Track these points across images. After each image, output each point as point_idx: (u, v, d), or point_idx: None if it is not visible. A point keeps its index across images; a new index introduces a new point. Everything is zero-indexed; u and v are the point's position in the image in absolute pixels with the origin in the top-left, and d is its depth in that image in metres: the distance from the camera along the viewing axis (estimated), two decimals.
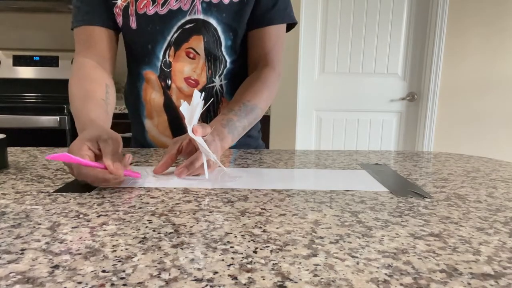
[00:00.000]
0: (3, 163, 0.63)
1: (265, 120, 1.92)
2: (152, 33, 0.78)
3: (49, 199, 0.47)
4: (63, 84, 2.23)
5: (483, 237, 0.38)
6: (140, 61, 0.83)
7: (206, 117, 0.85)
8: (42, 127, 1.77)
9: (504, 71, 2.26)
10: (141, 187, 0.53)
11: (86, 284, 0.28)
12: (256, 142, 0.96)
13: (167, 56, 0.80)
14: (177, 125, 0.85)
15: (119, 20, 0.78)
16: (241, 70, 0.87)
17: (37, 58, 2.20)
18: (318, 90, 2.29)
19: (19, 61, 2.20)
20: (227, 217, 0.42)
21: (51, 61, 2.20)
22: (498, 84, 2.28)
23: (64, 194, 0.49)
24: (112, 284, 0.28)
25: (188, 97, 0.83)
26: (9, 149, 0.78)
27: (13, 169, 0.62)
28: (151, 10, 0.77)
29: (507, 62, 2.25)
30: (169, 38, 0.79)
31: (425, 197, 0.51)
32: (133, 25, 0.78)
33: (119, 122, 1.81)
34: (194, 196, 0.49)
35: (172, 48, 0.79)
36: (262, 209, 0.45)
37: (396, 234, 0.38)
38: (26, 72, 2.21)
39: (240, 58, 0.85)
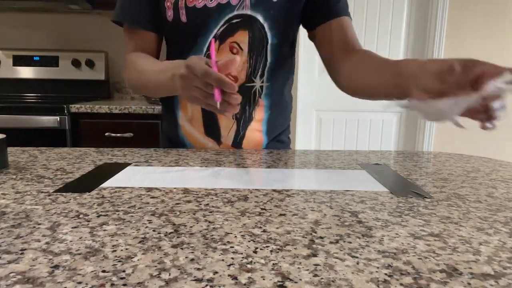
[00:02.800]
0: (3, 163, 0.63)
1: None
2: (200, 26, 0.79)
3: (49, 199, 0.47)
4: (63, 84, 2.23)
5: (483, 237, 0.38)
6: (184, 53, 0.82)
7: (241, 117, 0.85)
8: (42, 127, 1.77)
9: None
10: (141, 187, 0.53)
11: (86, 284, 0.28)
12: (286, 148, 0.96)
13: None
14: (210, 119, 0.84)
15: (170, 13, 0.79)
16: (282, 72, 0.87)
17: (37, 58, 2.20)
18: (318, 90, 2.29)
19: (19, 61, 2.20)
20: (227, 217, 0.42)
21: (51, 61, 2.20)
22: None
23: (64, 194, 0.49)
24: (112, 284, 0.28)
25: None
26: (9, 149, 0.78)
27: (13, 169, 0.62)
28: (200, 3, 0.77)
29: (507, 62, 2.25)
30: (215, 31, 0.79)
31: (425, 197, 0.51)
32: (183, 18, 0.78)
33: (120, 123, 1.81)
34: (194, 196, 0.49)
35: (217, 41, 0.80)
36: (262, 209, 0.45)
37: (396, 234, 0.38)
38: (26, 72, 2.21)
39: (283, 59, 0.85)
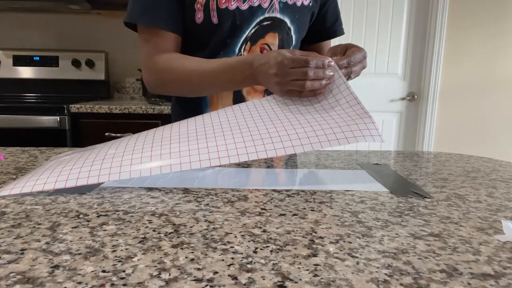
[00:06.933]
0: None
1: None
2: (232, 28, 0.80)
3: (49, 199, 0.47)
4: (63, 84, 2.23)
5: (483, 237, 0.38)
6: (214, 56, 0.82)
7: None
8: (42, 127, 1.77)
9: (504, 71, 2.26)
10: (141, 187, 0.53)
11: (86, 284, 0.28)
12: None
13: (242, 51, 0.82)
14: None
15: (200, 15, 0.79)
16: None
17: (37, 58, 2.20)
18: None
19: (19, 61, 2.20)
20: (227, 217, 0.42)
21: (51, 61, 2.20)
22: (498, 84, 2.28)
23: (64, 194, 0.49)
24: (112, 284, 0.28)
25: (258, 94, 0.85)
26: (9, 149, 0.78)
27: (13, 169, 0.62)
28: (232, 5, 0.78)
29: (507, 62, 2.25)
30: (247, 32, 0.81)
31: (425, 197, 0.51)
32: (215, 19, 0.79)
33: (120, 123, 1.81)
34: (194, 196, 0.49)
35: (249, 43, 0.82)
36: (262, 209, 0.45)
37: (396, 234, 0.38)
38: (26, 72, 2.21)
39: None
